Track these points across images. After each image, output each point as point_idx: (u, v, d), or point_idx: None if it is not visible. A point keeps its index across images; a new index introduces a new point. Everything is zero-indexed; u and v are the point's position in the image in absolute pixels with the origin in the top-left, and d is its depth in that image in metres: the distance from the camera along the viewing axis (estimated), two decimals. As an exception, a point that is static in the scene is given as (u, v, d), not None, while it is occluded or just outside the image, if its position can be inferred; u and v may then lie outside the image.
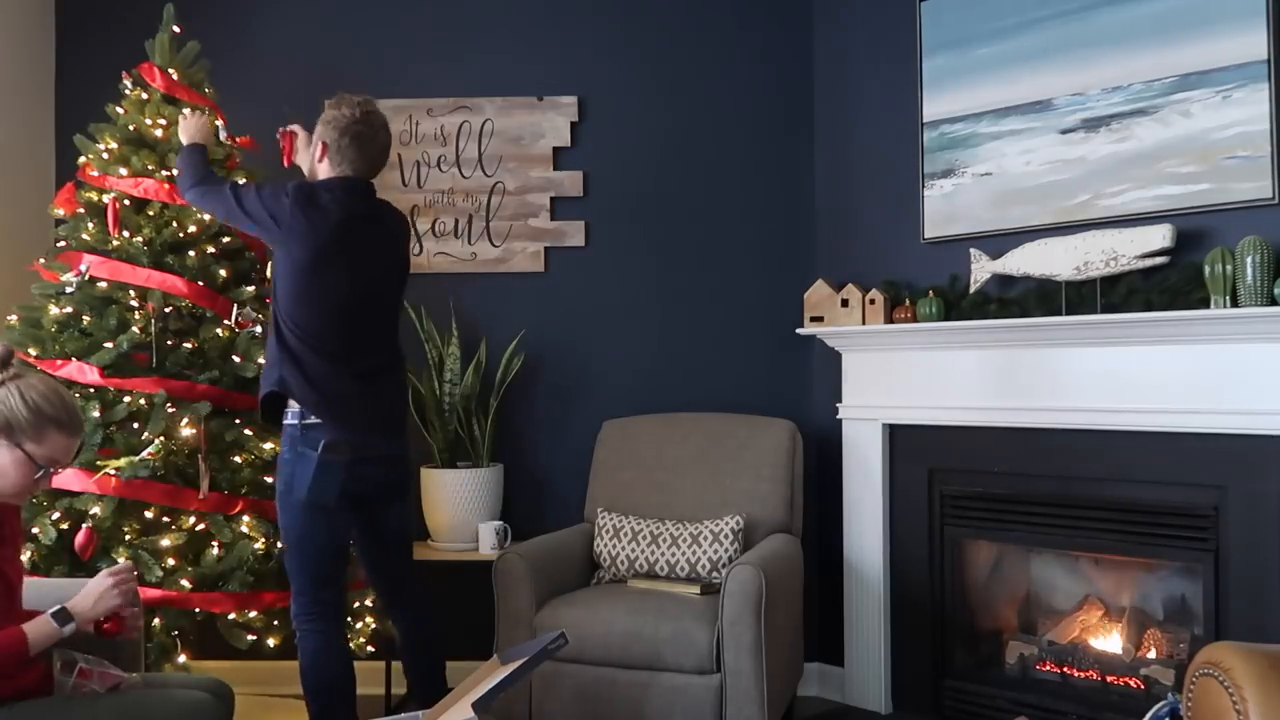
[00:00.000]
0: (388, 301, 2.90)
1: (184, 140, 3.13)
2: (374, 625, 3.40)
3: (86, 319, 3.25)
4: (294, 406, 2.73)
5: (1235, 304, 2.82)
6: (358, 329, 2.79)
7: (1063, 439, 3.23)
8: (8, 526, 2.19)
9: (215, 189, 2.91)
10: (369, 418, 2.77)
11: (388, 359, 2.88)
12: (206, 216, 3.34)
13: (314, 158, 2.91)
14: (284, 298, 2.74)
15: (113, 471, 3.05)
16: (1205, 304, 2.88)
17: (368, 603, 3.39)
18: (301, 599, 2.75)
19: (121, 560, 2.18)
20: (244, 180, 3.12)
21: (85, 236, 3.32)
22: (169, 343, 3.27)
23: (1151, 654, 3.19)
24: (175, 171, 3.14)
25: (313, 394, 2.70)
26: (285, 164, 3.10)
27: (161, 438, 3.12)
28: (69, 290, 3.27)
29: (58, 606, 2.09)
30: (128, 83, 3.51)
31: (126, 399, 3.16)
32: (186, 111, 3.32)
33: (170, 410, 3.16)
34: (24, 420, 2.08)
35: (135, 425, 3.18)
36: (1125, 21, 3.15)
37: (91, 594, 2.12)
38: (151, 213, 3.34)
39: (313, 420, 2.70)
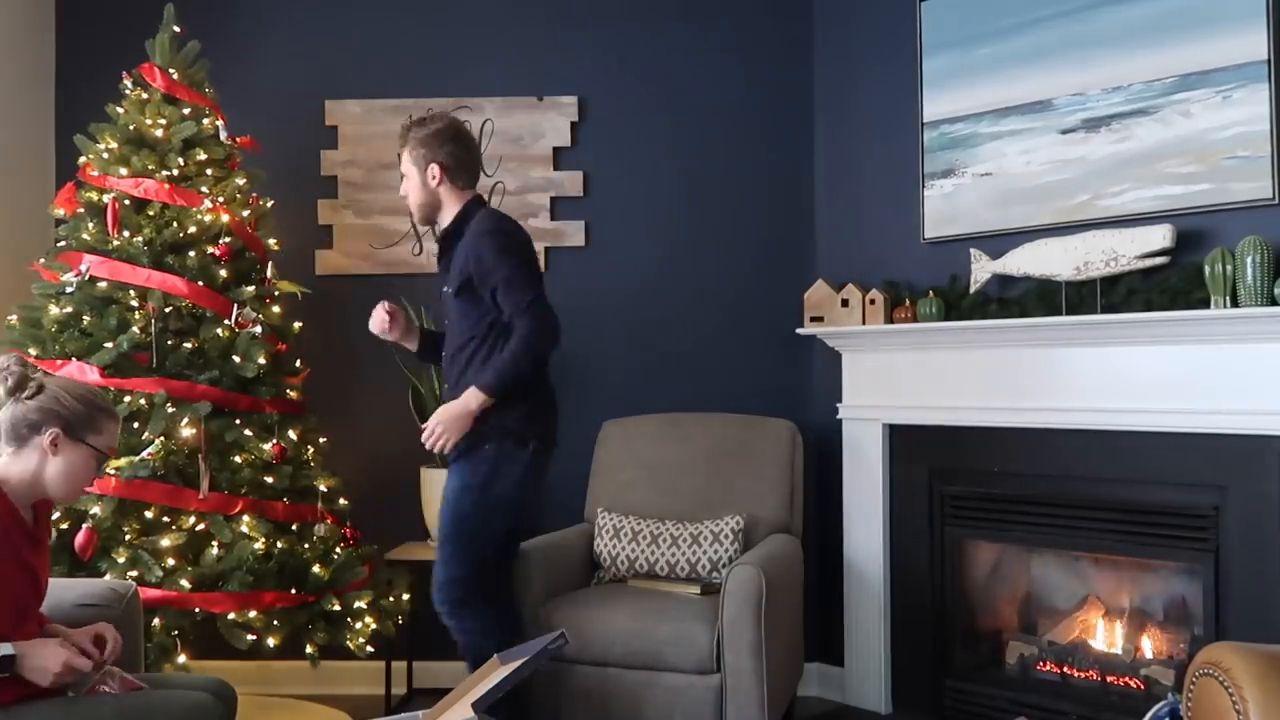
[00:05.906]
0: None
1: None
2: (373, 625, 3.40)
3: (86, 319, 3.25)
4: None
5: (1235, 304, 2.82)
6: None
7: (1063, 439, 3.23)
8: (44, 530, 2.19)
9: (526, 324, 2.78)
10: None
11: None
12: (207, 218, 3.35)
13: (428, 185, 2.89)
14: None
15: (113, 471, 3.05)
16: (1205, 304, 2.88)
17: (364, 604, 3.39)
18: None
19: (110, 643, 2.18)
20: (505, 278, 2.79)
21: (85, 236, 3.33)
22: (169, 343, 3.27)
23: (1151, 654, 3.19)
24: (508, 379, 2.81)
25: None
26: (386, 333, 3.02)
27: (161, 438, 3.13)
28: (69, 290, 3.28)
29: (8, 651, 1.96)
30: (128, 83, 3.51)
31: (127, 399, 3.17)
32: None
33: (170, 410, 3.16)
34: (82, 415, 2.10)
35: (135, 425, 3.18)
36: (1125, 21, 3.15)
37: (44, 655, 2.00)
38: (151, 213, 3.34)
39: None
